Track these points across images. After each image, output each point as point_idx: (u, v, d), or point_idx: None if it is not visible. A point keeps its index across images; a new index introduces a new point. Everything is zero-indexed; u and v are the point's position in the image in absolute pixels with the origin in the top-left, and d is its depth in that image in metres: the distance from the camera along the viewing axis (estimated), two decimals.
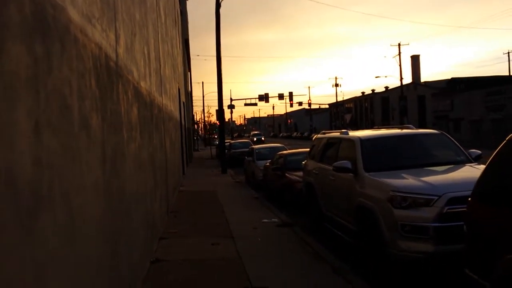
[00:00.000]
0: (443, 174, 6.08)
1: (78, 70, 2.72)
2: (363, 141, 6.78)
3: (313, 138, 9.68)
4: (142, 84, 6.17)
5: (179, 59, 22.21)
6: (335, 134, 8.13)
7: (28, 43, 1.94)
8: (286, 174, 11.85)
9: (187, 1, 34.93)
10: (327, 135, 8.66)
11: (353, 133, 7.47)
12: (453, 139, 7.10)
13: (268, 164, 14.41)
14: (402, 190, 5.36)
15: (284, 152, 13.67)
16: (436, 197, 5.14)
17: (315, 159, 8.72)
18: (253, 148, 18.67)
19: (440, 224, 5.03)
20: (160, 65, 9.44)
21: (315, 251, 6.90)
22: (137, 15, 6.02)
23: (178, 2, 23.16)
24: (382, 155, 6.73)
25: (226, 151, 24.01)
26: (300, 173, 11.38)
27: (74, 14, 2.69)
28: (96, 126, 3.13)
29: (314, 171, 8.52)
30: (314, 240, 7.66)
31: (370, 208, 5.74)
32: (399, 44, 56.75)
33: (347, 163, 6.51)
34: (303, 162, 9.66)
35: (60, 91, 2.34)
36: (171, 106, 13.05)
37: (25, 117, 1.87)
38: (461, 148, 6.90)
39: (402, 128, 7.80)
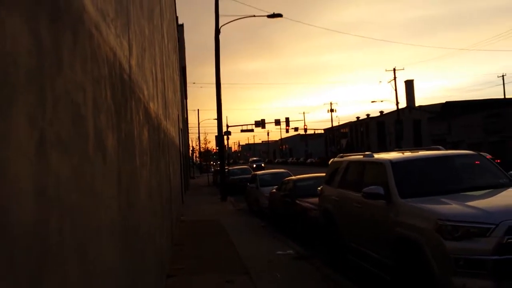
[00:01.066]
0: (490, 198, 5.45)
1: (93, 74, 2.09)
2: (395, 164, 6.14)
3: (330, 162, 9.04)
4: (151, 105, 5.55)
5: (178, 85, 21.73)
6: (357, 157, 7.50)
7: (30, 21, 1.30)
8: (297, 201, 11.14)
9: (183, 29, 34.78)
10: (346, 158, 8.02)
11: (380, 156, 6.84)
12: (492, 160, 6.50)
13: (274, 190, 13.70)
14: (451, 219, 4.69)
15: (292, 177, 12.99)
16: (493, 226, 4.48)
17: (333, 184, 8.05)
18: (256, 174, 17.94)
19: (500, 257, 4.36)
20: (164, 88, 8.86)
21: None
22: (147, 31, 5.46)
23: (176, 29, 22.88)
24: (416, 179, 6.09)
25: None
26: (312, 200, 10.71)
27: (88, 4, 2.08)
28: (112, 148, 2.47)
29: (333, 197, 7.84)
30: (338, 275, 6.92)
31: (413, 239, 5.06)
32: (394, 69, 56.98)
33: (379, 189, 5.85)
34: (319, 188, 8.98)
35: (72, 97, 1.70)
36: (173, 131, 12.43)
37: (24, 128, 1.22)
38: (502, 169, 6.29)
39: (429, 150, 7.20)
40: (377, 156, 6.95)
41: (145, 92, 4.84)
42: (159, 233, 5.91)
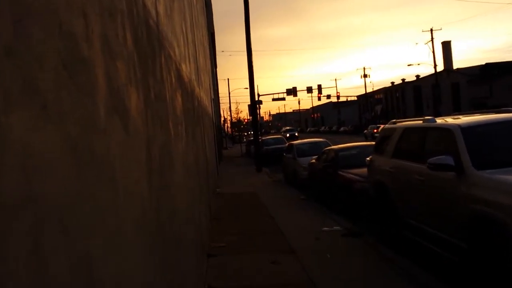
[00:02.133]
0: None
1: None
2: (465, 129, 5.26)
3: (380, 129, 8.20)
4: (183, 67, 4.86)
5: (207, 52, 20.95)
6: (416, 123, 6.61)
7: None
8: (340, 173, 10.37)
9: None
10: (401, 124, 7.14)
11: (445, 121, 5.95)
12: None
13: (313, 161, 12.94)
14: None
15: (334, 147, 12.15)
16: None
17: (386, 154, 7.22)
18: (292, 144, 17.16)
19: None
20: (196, 51, 8.14)
21: (406, 270, 5.46)
22: None
23: None
24: (492, 146, 5.21)
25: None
26: (356, 171, 9.92)
27: None
28: (136, 111, 1.78)
29: (387, 168, 7.03)
30: (396, 254, 6.21)
31: (495, 218, 4.26)
32: (431, 29, 54.05)
33: (448, 159, 5.01)
34: (368, 158, 8.18)
35: (61, 19, 0.99)
36: (206, 100, 11.78)
37: None
38: None
39: (499, 113, 6.24)
40: (440, 120, 6.06)
41: (176, 51, 4.14)
42: (199, 211, 5.33)
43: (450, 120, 5.96)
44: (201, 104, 8.66)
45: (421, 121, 6.41)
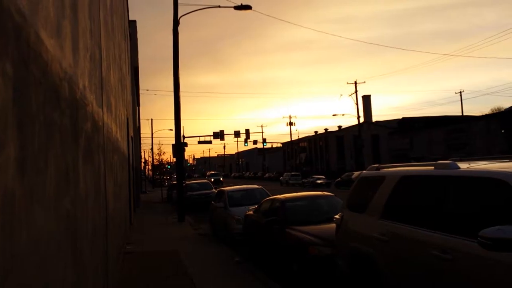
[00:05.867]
0: None
1: None
2: None
3: (354, 176, 6.12)
4: (47, 40, 2.38)
5: (128, 83, 18.28)
6: (424, 168, 4.57)
7: None
8: (288, 230, 8.10)
9: (137, 32, 31.09)
10: (393, 170, 5.08)
11: (477, 167, 3.94)
12: None
13: (251, 212, 10.57)
14: None
15: (279, 196, 9.83)
16: None
17: (371, 212, 5.09)
18: (223, 190, 14.61)
19: None
20: (101, 57, 5.63)
21: None
22: None
23: (127, 17, 19.49)
24: None
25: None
26: (309, 228, 7.74)
27: None
28: None
29: (374, 234, 4.86)
30: None
31: None
32: (355, 82, 55.72)
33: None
34: (336, 216, 6.00)
35: None
36: (118, 133, 9.09)
37: None
38: None
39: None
40: (466, 166, 4.06)
41: None
42: None
43: (477, 165, 3.96)
44: (106, 134, 6.07)
45: (432, 167, 4.37)
